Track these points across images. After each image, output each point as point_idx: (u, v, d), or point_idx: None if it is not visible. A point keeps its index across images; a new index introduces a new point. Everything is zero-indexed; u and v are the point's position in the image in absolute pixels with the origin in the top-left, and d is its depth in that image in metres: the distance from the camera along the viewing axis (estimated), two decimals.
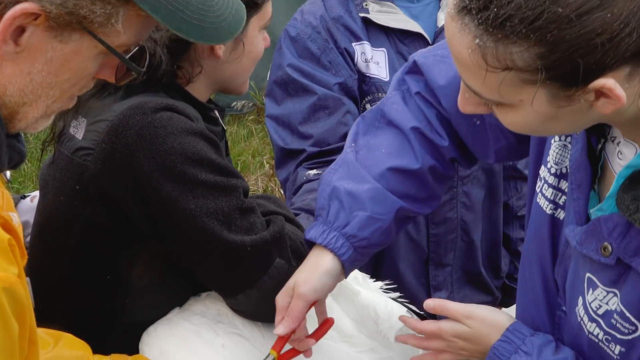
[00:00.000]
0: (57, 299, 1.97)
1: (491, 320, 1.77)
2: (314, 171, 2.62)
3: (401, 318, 1.97)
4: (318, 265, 1.88)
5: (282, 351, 1.92)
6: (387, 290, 2.29)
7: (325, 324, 2.01)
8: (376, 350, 2.14)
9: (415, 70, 1.97)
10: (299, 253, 1.96)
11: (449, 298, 2.81)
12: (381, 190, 1.91)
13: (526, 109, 1.40)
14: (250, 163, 6.66)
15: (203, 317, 2.01)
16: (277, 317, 1.88)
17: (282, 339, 1.90)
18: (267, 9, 2.08)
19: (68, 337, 1.83)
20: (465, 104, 1.52)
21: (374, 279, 2.33)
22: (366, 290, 2.22)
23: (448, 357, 1.86)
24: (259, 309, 1.97)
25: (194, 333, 1.97)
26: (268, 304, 1.92)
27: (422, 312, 2.12)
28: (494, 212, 2.86)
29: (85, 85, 1.43)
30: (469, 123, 1.90)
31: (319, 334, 2.00)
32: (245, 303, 1.95)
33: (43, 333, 1.80)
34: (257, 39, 2.07)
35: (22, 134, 1.45)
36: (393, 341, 2.10)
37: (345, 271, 1.92)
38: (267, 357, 1.91)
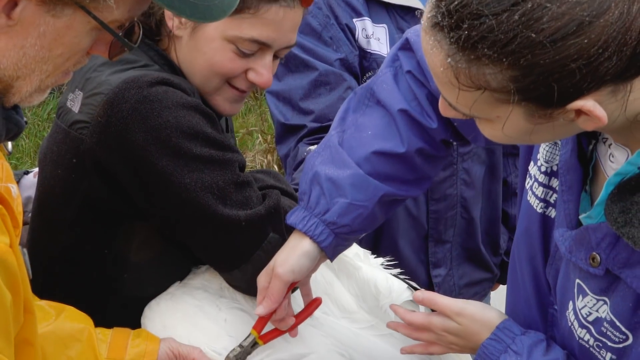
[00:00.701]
0: (57, 272, 1.98)
1: (481, 317, 1.77)
2: (315, 147, 2.61)
3: (392, 307, 1.97)
4: (296, 247, 1.88)
5: (265, 331, 1.93)
6: (387, 267, 2.29)
7: (311, 304, 2.02)
8: (377, 327, 2.14)
9: (407, 46, 1.95)
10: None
11: (447, 275, 2.82)
12: (363, 176, 1.89)
13: (503, 124, 1.38)
14: (248, 139, 6.66)
15: (205, 291, 2.01)
16: (258, 298, 1.89)
17: (263, 319, 1.92)
18: (242, 25, 1.89)
19: (70, 309, 1.83)
20: (445, 111, 1.50)
21: (375, 255, 2.33)
22: (367, 266, 2.22)
23: (438, 349, 1.87)
24: (254, 284, 1.96)
25: (197, 308, 1.98)
26: None
27: (420, 289, 2.13)
28: (494, 189, 2.87)
29: (80, 61, 1.43)
30: None
31: (304, 314, 2.01)
32: (240, 278, 1.96)
33: (45, 305, 1.80)
34: (215, 44, 1.93)
35: (21, 107, 1.45)
36: (394, 317, 2.10)
37: (329, 255, 1.93)
38: (247, 337, 1.93)
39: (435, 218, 2.75)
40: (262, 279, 1.89)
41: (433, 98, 1.91)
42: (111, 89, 1.83)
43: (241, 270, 1.93)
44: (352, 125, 1.96)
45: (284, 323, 1.95)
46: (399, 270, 2.27)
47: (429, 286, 2.80)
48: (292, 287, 1.93)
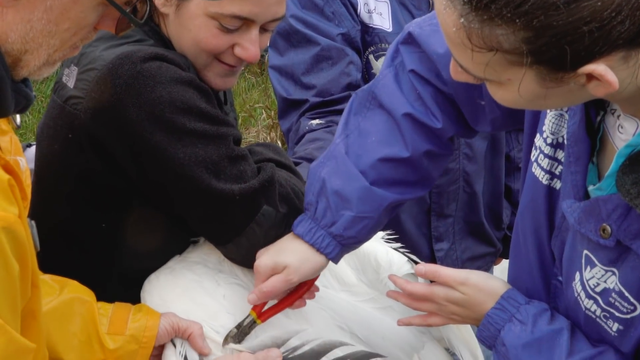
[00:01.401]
0: (56, 246, 1.98)
1: (485, 287, 1.77)
2: (317, 121, 2.62)
3: (390, 278, 1.98)
4: (309, 259, 1.92)
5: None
6: (388, 240, 2.30)
7: (304, 283, 2.01)
8: (376, 300, 2.16)
9: (410, 41, 1.93)
10: (289, 199, 1.97)
11: (450, 249, 2.82)
12: (368, 188, 1.90)
13: (515, 87, 1.38)
14: (251, 116, 6.65)
15: (205, 266, 2.02)
16: (256, 282, 1.92)
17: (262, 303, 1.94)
18: (223, 1, 1.88)
19: (73, 284, 1.85)
20: (457, 74, 1.50)
21: None
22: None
23: (438, 320, 1.87)
24: (250, 257, 1.97)
25: (196, 283, 1.99)
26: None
27: (420, 262, 2.13)
28: (496, 163, 2.87)
29: (87, 36, 1.43)
30: (467, 91, 1.86)
31: (303, 289, 2.01)
32: (235, 251, 1.97)
33: (49, 279, 1.82)
34: (198, 21, 1.92)
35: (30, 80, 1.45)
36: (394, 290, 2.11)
37: (335, 262, 1.96)
38: (246, 317, 1.95)
39: (437, 192, 2.75)
40: (264, 270, 1.91)
41: (438, 95, 1.91)
42: (105, 64, 1.83)
43: (235, 243, 1.94)
44: (354, 129, 1.96)
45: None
46: (399, 244, 2.27)
47: (432, 260, 2.81)
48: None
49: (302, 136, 2.60)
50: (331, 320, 2.06)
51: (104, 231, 1.96)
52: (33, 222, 1.44)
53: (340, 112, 2.61)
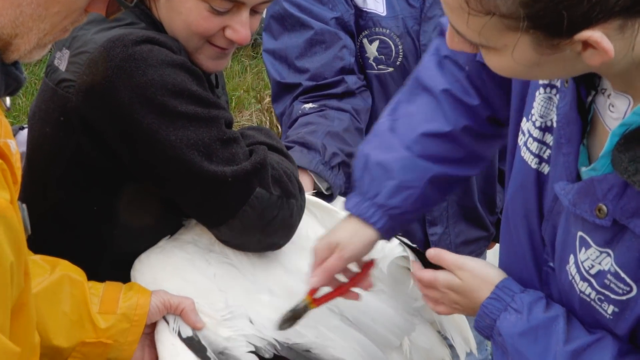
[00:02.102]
0: (48, 229, 1.98)
1: (481, 273, 1.77)
2: (310, 105, 2.62)
3: (413, 264, 1.98)
4: (358, 232, 1.92)
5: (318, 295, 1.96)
6: None
7: (367, 266, 2.02)
8: None
9: (442, 32, 1.96)
10: (281, 182, 1.97)
11: (444, 233, 2.83)
12: (410, 158, 1.91)
13: (510, 54, 1.38)
14: (245, 99, 6.65)
15: (195, 245, 2.03)
16: (314, 266, 1.93)
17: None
18: None
19: (64, 263, 1.85)
20: (452, 42, 1.50)
21: None
22: None
23: (443, 309, 1.87)
24: (243, 240, 1.99)
25: (187, 261, 2.00)
26: (251, 234, 1.96)
27: (414, 246, 2.13)
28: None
29: (77, 19, 1.43)
30: (489, 78, 1.89)
31: (359, 277, 2.01)
32: (228, 234, 1.97)
33: (39, 260, 1.82)
34: (189, 4, 1.92)
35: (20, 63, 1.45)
36: (386, 273, 2.11)
37: (385, 236, 1.96)
38: (300, 302, 1.95)
39: None
40: (321, 253, 1.92)
41: (471, 79, 1.93)
42: (97, 47, 1.83)
43: (228, 226, 1.94)
44: (404, 115, 1.99)
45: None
46: None
47: (425, 244, 2.82)
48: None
49: (295, 120, 2.60)
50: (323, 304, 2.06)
51: (95, 214, 1.96)
52: (24, 206, 1.44)
53: (333, 96, 2.63)
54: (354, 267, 1.99)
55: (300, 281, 2.03)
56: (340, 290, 1.99)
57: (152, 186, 1.94)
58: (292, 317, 1.94)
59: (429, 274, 1.85)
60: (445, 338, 2.26)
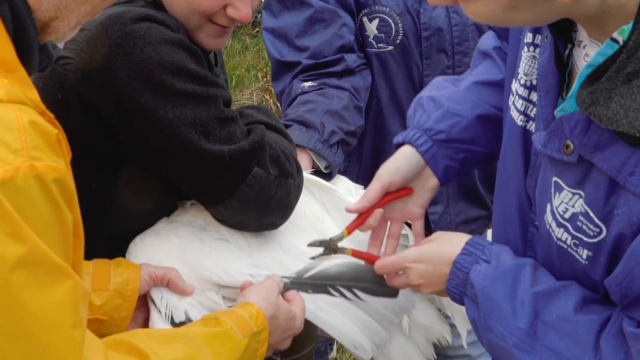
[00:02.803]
0: None
1: (450, 238, 1.82)
2: (309, 83, 2.62)
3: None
4: (398, 153, 1.97)
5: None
6: None
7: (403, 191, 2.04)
8: None
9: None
10: (279, 161, 1.97)
11: (444, 212, 2.83)
12: (462, 92, 2.00)
13: None
14: (245, 77, 6.64)
15: (190, 226, 2.03)
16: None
17: (355, 221, 1.99)
18: None
19: None
20: None
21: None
22: None
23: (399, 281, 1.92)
24: (240, 219, 1.99)
25: (182, 244, 2.01)
26: (249, 214, 1.96)
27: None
28: None
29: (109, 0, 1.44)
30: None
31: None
32: (225, 213, 1.97)
33: None
34: None
35: None
36: (383, 251, 2.11)
37: (433, 170, 1.99)
38: (339, 234, 2.01)
39: None
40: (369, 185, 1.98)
41: None
42: (95, 25, 1.82)
43: (225, 205, 1.94)
44: (464, 79, 2.09)
45: (369, 226, 2.01)
46: None
47: (425, 223, 2.80)
48: (390, 200, 1.99)
49: (294, 98, 2.61)
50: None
51: (93, 192, 1.95)
52: None
53: (333, 74, 2.63)
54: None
55: (298, 259, 2.04)
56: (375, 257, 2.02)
57: (150, 165, 1.94)
58: (327, 245, 2.01)
59: (394, 256, 1.91)
60: (446, 317, 2.27)
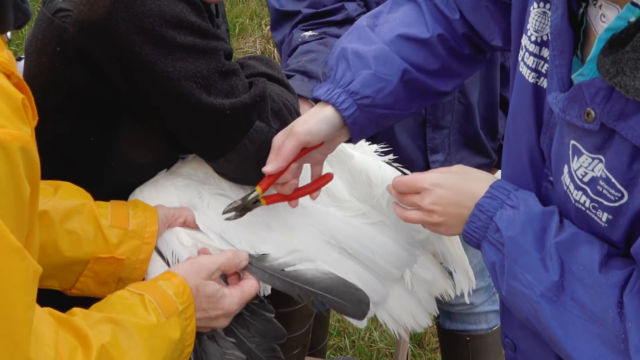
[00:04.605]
0: (44, 159, 1.98)
1: (474, 172, 1.79)
2: (310, 33, 2.60)
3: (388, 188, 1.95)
4: (318, 112, 1.90)
5: (268, 194, 1.96)
6: (382, 154, 2.29)
7: (321, 179, 2.02)
8: (368, 215, 2.15)
9: None
10: (281, 115, 1.96)
11: (446, 160, 2.82)
12: (388, 51, 1.91)
13: None
14: (248, 25, 6.60)
15: (189, 179, 2.03)
16: (270, 156, 1.91)
17: (269, 178, 1.92)
18: None
19: (66, 185, 1.86)
20: None
21: (369, 142, 2.33)
22: (360, 154, 2.21)
23: (415, 215, 1.84)
24: (241, 173, 1.98)
25: (179, 196, 2.01)
26: (250, 168, 1.95)
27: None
28: (491, 73, 2.84)
29: None
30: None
31: (311, 187, 2.01)
32: (226, 167, 1.97)
33: (43, 184, 1.81)
34: None
35: None
36: (385, 205, 2.11)
37: (352, 130, 1.94)
38: (251, 192, 1.95)
39: (432, 104, 2.73)
40: (277, 139, 1.90)
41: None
42: None
43: (227, 159, 1.93)
44: (384, 22, 2.00)
45: (286, 187, 1.97)
46: (392, 156, 2.27)
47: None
48: (304, 154, 1.93)
49: (295, 48, 2.58)
50: (320, 235, 2.06)
51: (93, 145, 1.94)
52: None
53: (333, 23, 2.60)
54: None
55: (300, 216, 2.03)
56: (295, 194, 1.99)
57: (150, 118, 1.92)
58: (242, 207, 1.95)
59: (415, 174, 1.84)
60: (447, 269, 2.27)
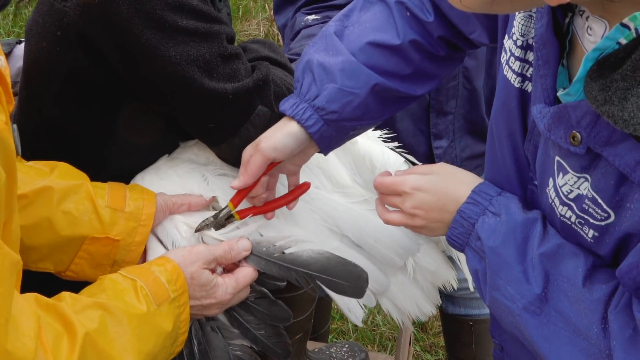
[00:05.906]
0: (44, 144, 1.98)
1: (457, 174, 1.75)
2: (313, 16, 2.59)
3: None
4: (283, 127, 1.87)
5: (241, 208, 1.95)
6: (386, 140, 2.28)
7: (297, 189, 2.00)
8: (370, 201, 2.14)
9: None
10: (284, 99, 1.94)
11: (449, 147, 2.80)
12: (354, 63, 1.86)
13: None
14: (252, 7, 6.59)
15: (192, 163, 2.02)
16: (240, 171, 1.89)
17: (240, 193, 1.92)
18: None
19: (62, 165, 1.85)
20: None
21: (373, 128, 2.31)
22: (364, 139, 2.20)
23: (397, 218, 1.81)
24: None
25: (182, 180, 2.00)
26: None
27: (419, 163, 2.11)
28: (495, 58, 2.82)
29: None
30: None
31: (287, 198, 2.00)
32: (228, 151, 1.96)
33: (35, 164, 1.82)
34: None
35: None
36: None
37: (320, 144, 1.91)
38: (223, 209, 1.94)
39: (436, 89, 2.71)
40: (246, 153, 1.89)
41: None
42: None
43: (229, 144, 1.92)
44: (355, 22, 1.94)
45: (257, 200, 1.96)
46: (396, 143, 2.26)
47: (430, 158, 2.80)
48: (271, 168, 1.91)
49: (298, 32, 2.58)
50: (322, 222, 2.06)
51: (93, 130, 1.94)
52: (15, 126, 1.42)
53: (337, 7, 2.59)
54: None
55: (302, 202, 2.02)
56: (268, 207, 1.98)
57: (152, 103, 1.91)
58: (215, 224, 1.93)
59: (396, 176, 1.80)
60: (450, 257, 2.26)
